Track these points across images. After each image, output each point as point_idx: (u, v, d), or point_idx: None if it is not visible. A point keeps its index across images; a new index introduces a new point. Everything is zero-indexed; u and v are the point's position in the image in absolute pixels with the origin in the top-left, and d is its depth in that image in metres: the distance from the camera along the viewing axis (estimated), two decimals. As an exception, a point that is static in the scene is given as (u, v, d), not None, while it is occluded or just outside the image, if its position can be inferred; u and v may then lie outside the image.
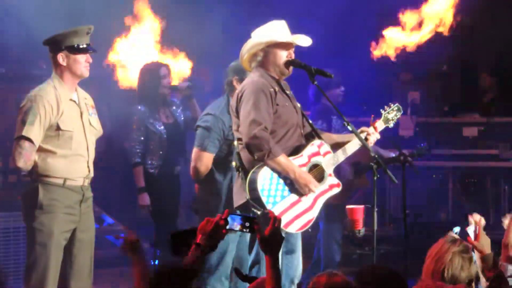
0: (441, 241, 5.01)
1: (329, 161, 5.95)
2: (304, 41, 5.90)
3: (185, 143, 7.88)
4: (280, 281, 3.80)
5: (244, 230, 3.93)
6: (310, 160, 5.89)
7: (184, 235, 3.99)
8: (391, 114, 6.33)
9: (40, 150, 5.82)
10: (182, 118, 7.93)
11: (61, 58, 5.92)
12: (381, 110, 6.35)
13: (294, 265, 5.92)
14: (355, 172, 7.99)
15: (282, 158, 5.69)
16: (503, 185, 10.09)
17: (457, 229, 5.45)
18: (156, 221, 7.76)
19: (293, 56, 5.91)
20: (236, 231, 3.96)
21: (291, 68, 5.91)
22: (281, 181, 5.74)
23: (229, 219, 3.94)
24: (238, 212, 5.64)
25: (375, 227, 5.97)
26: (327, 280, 3.98)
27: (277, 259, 3.80)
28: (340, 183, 6.01)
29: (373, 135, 6.10)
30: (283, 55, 5.88)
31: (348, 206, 6.10)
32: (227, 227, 3.94)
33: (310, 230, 5.91)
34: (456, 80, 11.40)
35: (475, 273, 5.01)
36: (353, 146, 6.01)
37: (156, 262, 7.64)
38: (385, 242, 10.04)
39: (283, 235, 5.65)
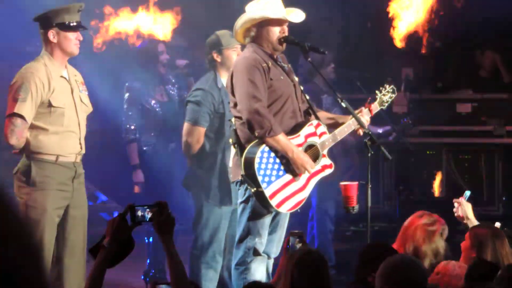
0: (411, 216, 5.05)
1: (324, 142, 5.94)
2: (297, 17, 5.87)
3: (179, 122, 7.85)
4: (179, 258, 3.82)
5: (151, 220, 3.78)
6: (307, 141, 5.88)
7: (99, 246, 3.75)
8: (386, 96, 6.33)
9: (32, 127, 5.80)
10: (177, 97, 7.90)
11: (51, 35, 5.89)
12: (376, 91, 6.34)
13: (274, 241, 5.93)
14: (342, 150, 7.96)
15: (282, 137, 5.68)
16: (497, 161, 10.08)
17: (468, 192, 5.50)
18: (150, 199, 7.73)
19: (286, 32, 5.88)
20: (146, 221, 3.80)
21: (284, 44, 5.89)
22: (278, 160, 5.72)
23: (138, 212, 3.78)
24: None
25: (369, 204, 5.97)
26: (300, 255, 3.95)
27: (172, 237, 3.82)
28: (333, 164, 6.01)
29: (367, 116, 6.09)
30: (276, 31, 5.84)
31: (342, 183, 6.09)
32: (137, 220, 3.77)
33: (299, 210, 5.90)
34: (450, 56, 11.34)
35: (441, 246, 5.04)
36: (347, 127, 6.00)
37: (151, 239, 7.62)
38: (379, 219, 10.05)
39: (274, 213, 5.72)
